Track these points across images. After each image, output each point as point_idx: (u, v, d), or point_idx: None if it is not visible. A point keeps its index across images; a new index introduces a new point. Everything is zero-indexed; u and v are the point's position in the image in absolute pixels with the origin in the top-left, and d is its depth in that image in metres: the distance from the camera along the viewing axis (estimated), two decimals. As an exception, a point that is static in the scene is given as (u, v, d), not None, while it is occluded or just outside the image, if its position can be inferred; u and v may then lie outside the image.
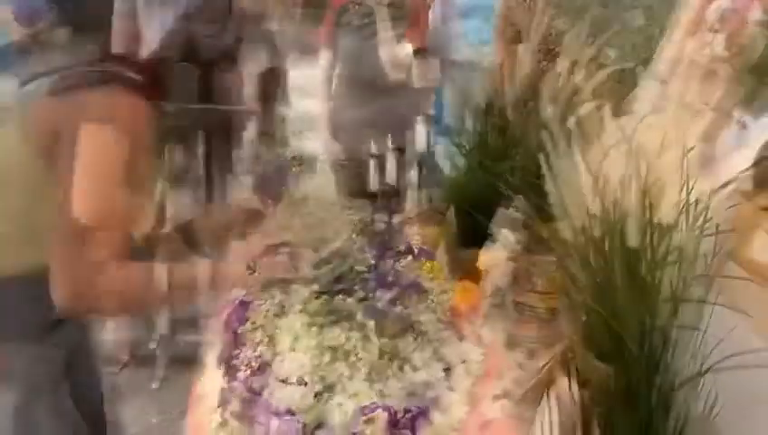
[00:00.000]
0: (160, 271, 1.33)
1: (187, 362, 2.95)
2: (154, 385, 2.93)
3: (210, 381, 1.35)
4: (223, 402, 1.24)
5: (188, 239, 1.42)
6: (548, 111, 1.04)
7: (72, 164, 1.20)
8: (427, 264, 1.73)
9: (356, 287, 1.30)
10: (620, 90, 1.57)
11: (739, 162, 1.05)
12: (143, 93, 1.27)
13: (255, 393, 1.17)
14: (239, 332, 1.28)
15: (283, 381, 1.16)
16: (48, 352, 1.37)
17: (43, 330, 1.37)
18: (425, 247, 1.46)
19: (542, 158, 1.00)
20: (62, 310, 1.21)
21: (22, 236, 1.29)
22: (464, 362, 1.31)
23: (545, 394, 1.20)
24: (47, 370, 1.37)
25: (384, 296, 1.26)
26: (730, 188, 0.99)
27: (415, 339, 1.22)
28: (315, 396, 1.15)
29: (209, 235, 1.49)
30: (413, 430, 1.15)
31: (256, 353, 1.21)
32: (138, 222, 1.41)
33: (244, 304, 1.34)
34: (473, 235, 1.72)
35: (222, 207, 1.50)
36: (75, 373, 1.46)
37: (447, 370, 1.25)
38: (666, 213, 0.93)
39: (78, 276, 1.20)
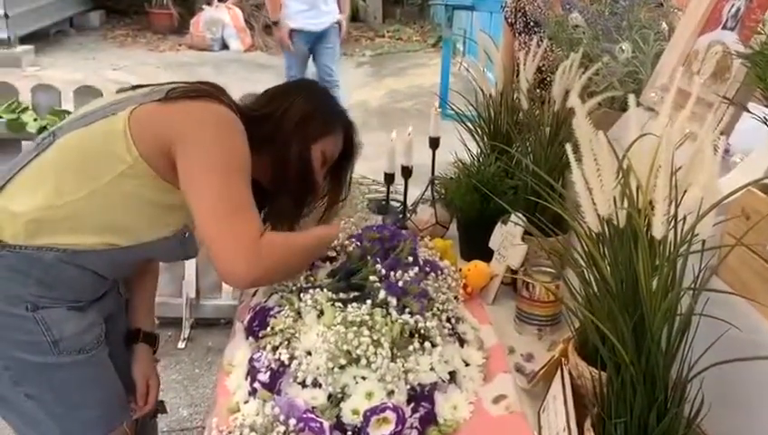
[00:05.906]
0: (318, 231, 1.38)
1: (210, 324, 2.96)
2: (180, 345, 2.90)
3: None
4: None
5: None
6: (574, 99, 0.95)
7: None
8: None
9: (368, 295, 1.25)
10: (611, 115, 1.51)
11: (761, 157, 0.98)
12: None
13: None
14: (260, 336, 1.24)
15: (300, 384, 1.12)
16: (93, 318, 1.32)
17: (93, 300, 1.33)
18: (431, 259, 1.43)
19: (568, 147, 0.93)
20: (239, 283, 1.23)
21: (97, 214, 1.23)
22: (467, 365, 1.28)
23: (558, 370, 1.14)
24: (93, 334, 1.32)
25: (392, 302, 1.22)
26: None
27: (421, 344, 1.19)
28: (329, 399, 1.10)
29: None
30: (421, 429, 1.12)
31: (275, 356, 1.16)
32: None
33: (264, 310, 1.29)
34: (476, 247, 1.67)
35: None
36: (113, 338, 1.43)
37: (453, 373, 1.21)
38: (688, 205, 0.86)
39: (247, 247, 1.16)
